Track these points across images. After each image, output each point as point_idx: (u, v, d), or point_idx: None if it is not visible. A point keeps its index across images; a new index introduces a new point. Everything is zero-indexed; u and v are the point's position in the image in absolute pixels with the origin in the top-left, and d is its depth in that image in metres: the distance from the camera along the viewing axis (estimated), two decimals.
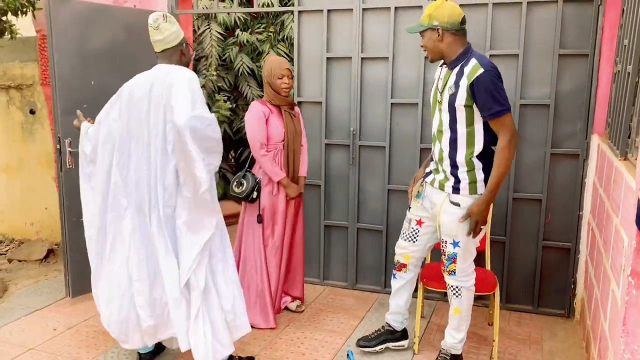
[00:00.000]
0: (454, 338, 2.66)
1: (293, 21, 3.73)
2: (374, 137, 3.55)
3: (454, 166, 2.45)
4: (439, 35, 2.38)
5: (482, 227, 2.45)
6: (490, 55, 3.22)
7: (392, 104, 3.47)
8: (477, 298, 3.51)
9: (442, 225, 2.51)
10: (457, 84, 2.35)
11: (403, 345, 2.92)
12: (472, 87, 2.30)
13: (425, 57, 2.50)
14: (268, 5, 5.37)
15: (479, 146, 2.41)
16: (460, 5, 3.22)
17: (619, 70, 2.71)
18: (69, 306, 3.46)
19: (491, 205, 2.55)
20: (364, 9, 3.44)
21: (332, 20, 3.56)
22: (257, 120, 3.04)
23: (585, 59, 3.09)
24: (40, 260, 4.24)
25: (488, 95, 2.28)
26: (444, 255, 2.57)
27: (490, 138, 2.41)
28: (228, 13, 5.55)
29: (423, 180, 2.68)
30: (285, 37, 5.58)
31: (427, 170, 2.66)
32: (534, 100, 3.21)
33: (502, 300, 3.44)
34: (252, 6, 3.81)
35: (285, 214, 3.19)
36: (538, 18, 3.15)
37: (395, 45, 3.42)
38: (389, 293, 2.95)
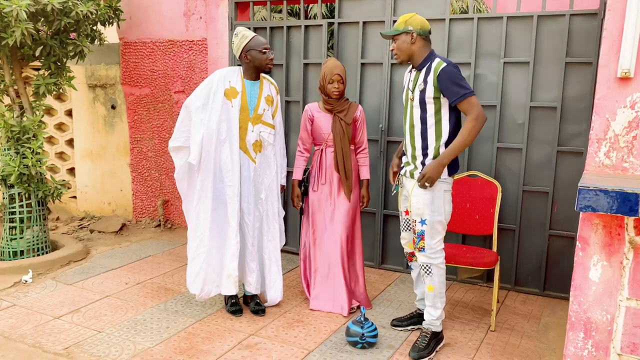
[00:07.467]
0: (431, 315, 2.92)
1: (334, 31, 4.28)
2: (400, 133, 4.01)
3: (425, 156, 2.81)
4: (412, 38, 2.74)
5: (427, 182, 2.72)
6: (505, 62, 3.64)
7: None
8: (488, 279, 3.92)
9: (412, 207, 2.85)
10: (425, 81, 2.73)
11: None
12: (438, 79, 2.68)
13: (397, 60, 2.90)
14: (315, 16, 5.96)
15: (445, 136, 2.76)
16: (479, 19, 3.67)
17: None
18: (138, 268, 4.15)
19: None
20: (394, 21, 3.93)
21: (367, 31, 4.08)
22: (302, 120, 3.44)
23: (590, 67, 3.44)
24: (115, 232, 5.00)
25: (452, 83, 2.65)
26: (414, 233, 2.88)
27: (454, 128, 2.77)
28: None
29: (399, 174, 3.03)
30: (333, 44, 6.13)
31: (402, 164, 2.99)
32: (543, 103, 3.59)
33: (512, 283, 3.81)
34: (300, 18, 4.39)
35: (326, 211, 3.41)
36: (547, 29, 3.52)
37: None
38: (410, 273, 3.30)
